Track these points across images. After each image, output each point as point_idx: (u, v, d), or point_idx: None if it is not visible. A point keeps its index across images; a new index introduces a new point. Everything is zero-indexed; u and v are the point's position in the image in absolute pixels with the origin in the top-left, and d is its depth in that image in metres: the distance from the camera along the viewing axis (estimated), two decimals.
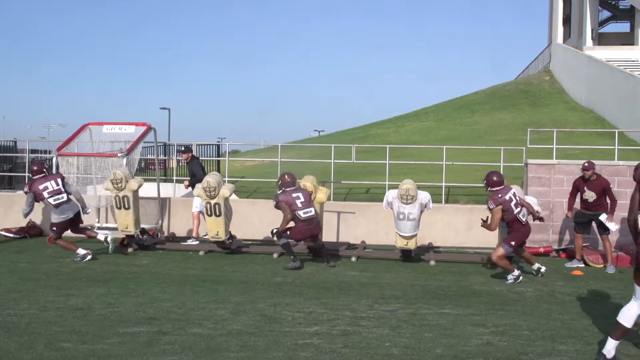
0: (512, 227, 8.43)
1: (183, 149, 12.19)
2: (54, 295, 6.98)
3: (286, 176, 9.55)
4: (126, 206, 10.29)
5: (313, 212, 9.45)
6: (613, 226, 9.64)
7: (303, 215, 9.32)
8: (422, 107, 36.44)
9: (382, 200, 10.04)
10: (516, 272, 8.36)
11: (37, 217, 12.60)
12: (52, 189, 9.51)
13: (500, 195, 8.28)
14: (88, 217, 12.50)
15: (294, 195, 9.37)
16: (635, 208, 4.89)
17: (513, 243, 8.38)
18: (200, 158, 13.98)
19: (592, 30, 34.25)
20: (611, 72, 26.66)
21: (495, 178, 8.42)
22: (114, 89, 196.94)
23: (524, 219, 8.42)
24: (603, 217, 9.60)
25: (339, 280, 8.28)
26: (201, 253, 10.47)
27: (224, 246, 10.43)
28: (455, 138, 24.34)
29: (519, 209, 8.37)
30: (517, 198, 8.45)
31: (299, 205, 9.31)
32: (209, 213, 10.04)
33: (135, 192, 10.42)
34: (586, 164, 9.82)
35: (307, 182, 9.95)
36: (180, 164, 15.64)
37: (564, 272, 9.35)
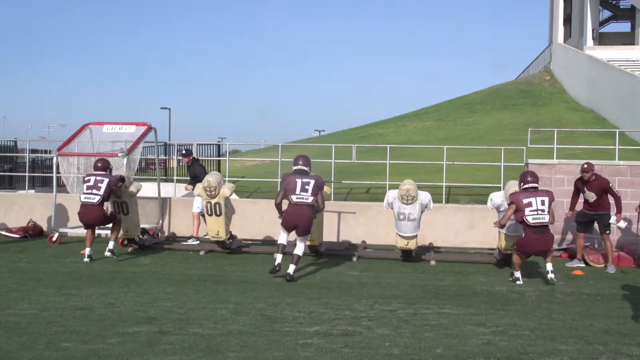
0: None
1: (184, 152, 12.11)
2: (54, 295, 6.98)
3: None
4: (125, 211, 10.23)
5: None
6: (622, 224, 9.65)
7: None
8: (423, 107, 36.52)
9: (382, 200, 10.04)
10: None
11: (37, 216, 12.61)
12: None
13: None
14: None
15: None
16: None
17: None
18: (201, 158, 13.98)
19: (592, 30, 34.25)
20: (612, 72, 26.66)
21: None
22: (114, 89, 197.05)
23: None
24: (612, 220, 9.60)
25: (340, 280, 8.28)
26: (202, 253, 10.47)
27: (224, 246, 10.43)
28: (456, 138, 24.36)
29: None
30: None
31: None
32: (210, 212, 10.02)
33: (134, 197, 10.34)
34: (585, 166, 9.77)
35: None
36: (181, 164, 15.66)
37: (565, 271, 9.34)
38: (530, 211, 8.08)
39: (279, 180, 13.41)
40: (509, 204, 8.41)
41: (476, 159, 16.33)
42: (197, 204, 11.31)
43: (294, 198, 8.39)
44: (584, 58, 30.76)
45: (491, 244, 10.84)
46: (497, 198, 9.50)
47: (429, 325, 5.95)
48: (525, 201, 8.13)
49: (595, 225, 9.89)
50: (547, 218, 8.11)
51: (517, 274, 8.34)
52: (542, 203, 8.12)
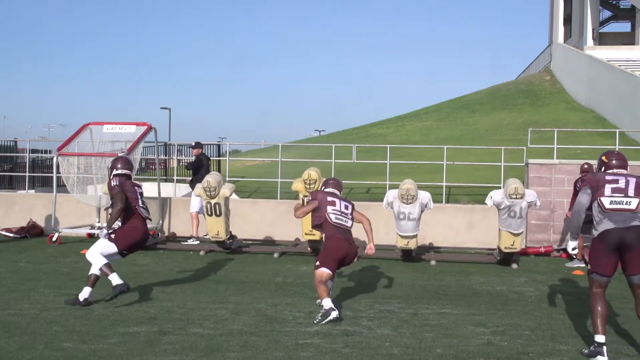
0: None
1: (194, 144, 12.14)
2: (54, 295, 6.98)
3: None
4: None
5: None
6: None
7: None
8: (423, 107, 36.54)
9: (382, 200, 10.03)
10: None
11: (37, 216, 12.60)
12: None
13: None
14: (88, 217, 12.53)
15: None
16: None
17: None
18: None
19: (592, 30, 34.27)
20: (612, 72, 26.66)
21: None
22: (114, 88, 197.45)
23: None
24: None
25: (340, 280, 8.27)
26: (202, 253, 10.47)
27: (224, 246, 10.42)
28: (456, 138, 24.36)
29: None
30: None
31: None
32: (209, 213, 10.02)
33: None
34: (585, 166, 9.85)
35: (311, 171, 10.05)
36: (180, 163, 15.67)
37: (565, 272, 9.35)
38: (333, 209, 6.47)
39: (279, 180, 13.41)
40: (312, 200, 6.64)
41: (476, 159, 16.33)
42: (195, 203, 11.30)
43: None
44: (584, 58, 30.77)
45: (491, 244, 10.84)
46: (497, 196, 9.49)
47: (429, 325, 5.95)
48: (329, 199, 6.53)
49: None
50: (350, 222, 6.64)
51: (328, 303, 6.07)
52: (346, 207, 6.63)
